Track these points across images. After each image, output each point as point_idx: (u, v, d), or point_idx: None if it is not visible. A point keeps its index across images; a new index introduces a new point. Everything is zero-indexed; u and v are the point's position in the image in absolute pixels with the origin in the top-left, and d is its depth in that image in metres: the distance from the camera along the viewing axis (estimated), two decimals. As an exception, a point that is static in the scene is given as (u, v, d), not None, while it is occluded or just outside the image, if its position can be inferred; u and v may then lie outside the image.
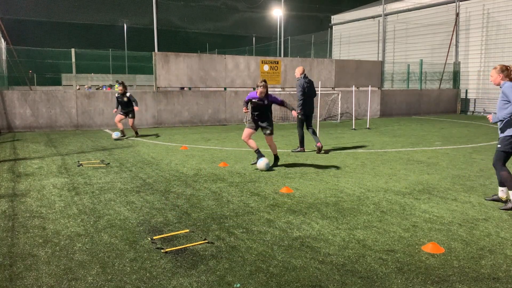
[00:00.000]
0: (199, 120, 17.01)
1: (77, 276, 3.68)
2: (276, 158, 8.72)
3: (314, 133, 10.29)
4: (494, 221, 5.22)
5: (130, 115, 12.79)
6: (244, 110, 8.49)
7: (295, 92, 10.69)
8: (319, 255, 4.15)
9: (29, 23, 31.17)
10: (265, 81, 8.22)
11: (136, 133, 13.16)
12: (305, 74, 10.21)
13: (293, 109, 8.46)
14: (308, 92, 10.10)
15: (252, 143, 8.35)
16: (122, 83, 12.75)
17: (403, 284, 3.59)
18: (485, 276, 3.73)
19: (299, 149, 10.41)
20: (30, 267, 3.84)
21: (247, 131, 8.33)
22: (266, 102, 8.18)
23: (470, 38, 23.47)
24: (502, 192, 5.98)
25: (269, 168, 8.18)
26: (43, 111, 14.72)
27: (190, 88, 17.62)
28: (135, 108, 12.77)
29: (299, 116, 10.00)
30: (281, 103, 8.36)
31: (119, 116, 12.81)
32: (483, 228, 4.96)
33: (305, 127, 10.30)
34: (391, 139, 12.81)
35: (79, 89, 15.35)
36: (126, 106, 12.68)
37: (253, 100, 8.23)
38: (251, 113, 8.36)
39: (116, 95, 12.83)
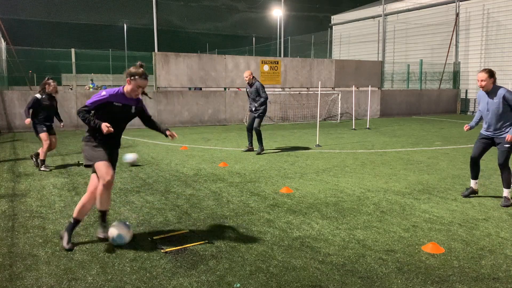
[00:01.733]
0: (199, 120, 17.01)
1: (77, 276, 3.68)
2: (103, 215, 4.55)
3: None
4: (494, 221, 5.22)
5: (52, 131, 8.32)
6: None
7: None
8: (319, 255, 4.15)
9: (29, 23, 31.15)
10: (142, 65, 4.51)
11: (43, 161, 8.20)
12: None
13: (166, 129, 4.77)
14: None
15: (101, 197, 4.43)
16: (51, 79, 8.28)
17: (403, 284, 3.59)
18: (485, 276, 3.73)
19: (261, 149, 10.10)
20: (30, 267, 3.84)
21: (100, 168, 4.42)
22: (133, 110, 4.58)
23: (470, 38, 23.47)
24: (476, 185, 6.32)
25: (120, 243, 4.33)
26: (43, 111, 14.70)
27: (190, 88, 17.60)
28: (60, 124, 8.67)
29: (262, 115, 10.04)
30: (148, 118, 4.81)
31: (45, 134, 8.12)
32: (483, 228, 4.96)
33: (248, 125, 10.34)
34: (391, 139, 12.81)
35: (71, 89, 15.26)
36: (52, 115, 8.35)
37: (115, 104, 4.41)
38: (106, 128, 4.29)
39: (40, 96, 8.08)
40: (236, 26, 35.88)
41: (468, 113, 23.42)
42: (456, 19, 23.45)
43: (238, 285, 3.54)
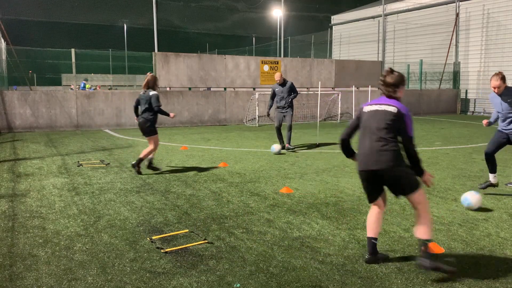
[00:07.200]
0: (199, 120, 17.00)
1: (77, 276, 3.68)
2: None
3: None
4: (494, 221, 5.22)
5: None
6: None
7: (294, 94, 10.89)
8: (319, 255, 4.14)
9: (29, 23, 31.17)
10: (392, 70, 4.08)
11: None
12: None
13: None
14: None
15: None
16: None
17: (403, 284, 3.59)
18: (485, 276, 3.73)
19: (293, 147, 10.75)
20: (30, 267, 3.84)
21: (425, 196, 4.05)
22: None
23: (470, 38, 23.46)
24: (494, 179, 6.41)
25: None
26: (43, 111, 14.71)
27: (190, 89, 17.60)
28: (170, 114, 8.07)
29: (292, 112, 10.77)
30: None
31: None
32: (483, 228, 4.96)
33: (277, 124, 10.66)
34: (391, 139, 12.78)
35: (71, 88, 15.27)
36: None
37: None
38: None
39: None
40: (236, 26, 35.92)
41: (468, 113, 23.42)
42: (456, 19, 23.45)
43: (238, 285, 3.54)
